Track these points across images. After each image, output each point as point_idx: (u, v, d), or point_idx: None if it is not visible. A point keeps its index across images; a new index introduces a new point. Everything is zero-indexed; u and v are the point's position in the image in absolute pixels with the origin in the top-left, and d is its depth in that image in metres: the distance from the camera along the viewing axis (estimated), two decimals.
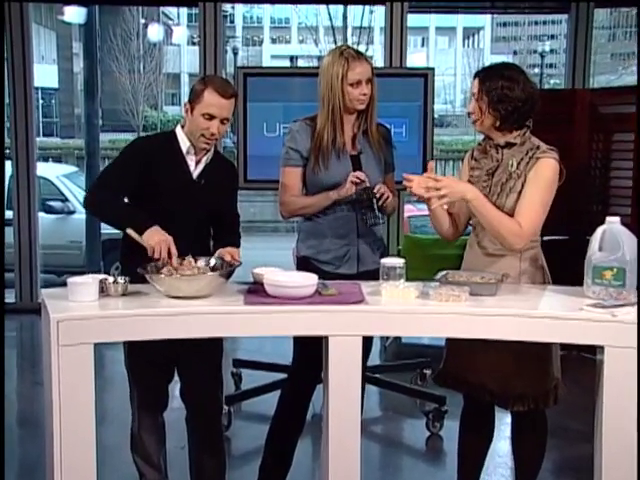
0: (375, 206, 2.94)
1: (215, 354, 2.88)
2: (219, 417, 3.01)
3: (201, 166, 2.78)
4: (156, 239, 2.54)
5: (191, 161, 2.76)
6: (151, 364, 2.79)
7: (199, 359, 2.80)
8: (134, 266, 2.52)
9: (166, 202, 2.71)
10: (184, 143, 2.75)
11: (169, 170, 2.73)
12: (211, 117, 2.66)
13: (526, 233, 2.63)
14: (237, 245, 2.80)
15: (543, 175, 2.65)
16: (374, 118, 3.01)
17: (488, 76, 2.68)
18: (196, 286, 2.46)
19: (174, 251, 2.55)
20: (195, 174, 2.77)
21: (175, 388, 2.94)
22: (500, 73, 2.68)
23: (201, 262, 2.63)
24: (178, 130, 2.78)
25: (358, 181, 2.89)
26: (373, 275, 2.78)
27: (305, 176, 3.03)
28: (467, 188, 2.65)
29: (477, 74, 2.74)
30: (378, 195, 2.91)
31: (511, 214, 2.65)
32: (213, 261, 2.65)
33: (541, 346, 2.61)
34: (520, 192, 2.66)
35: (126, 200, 2.77)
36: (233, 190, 2.96)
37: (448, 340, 2.85)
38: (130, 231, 2.59)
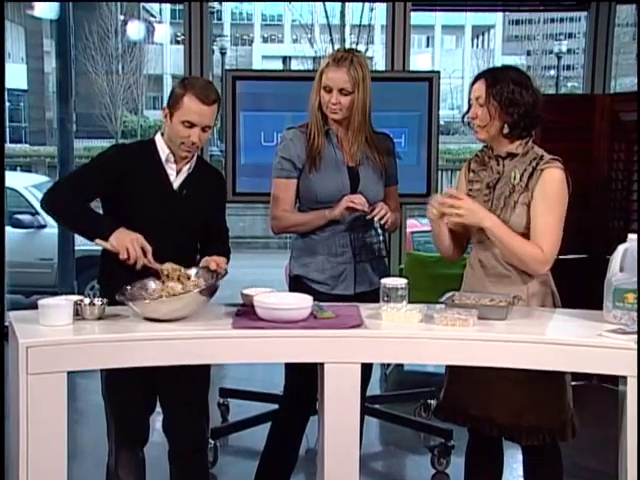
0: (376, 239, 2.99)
1: (201, 383, 2.88)
2: (205, 452, 3.00)
3: (182, 176, 2.79)
4: (126, 240, 2.55)
5: (171, 170, 2.78)
6: (131, 394, 2.78)
7: (184, 388, 2.80)
8: (115, 285, 2.53)
9: (144, 215, 2.71)
10: (163, 151, 2.77)
11: (146, 180, 2.74)
12: (191, 125, 2.67)
13: (549, 257, 2.68)
14: (226, 257, 2.79)
15: (551, 190, 2.68)
16: (362, 131, 3.02)
17: (497, 79, 2.71)
18: (176, 305, 2.47)
19: (148, 247, 2.56)
20: (176, 184, 2.79)
21: (155, 420, 2.94)
22: (509, 76, 2.71)
23: (169, 265, 2.64)
24: (158, 137, 2.80)
25: (354, 206, 2.91)
26: (371, 296, 2.80)
27: (298, 188, 3.05)
28: (486, 215, 2.69)
29: (481, 77, 2.75)
30: (377, 219, 2.93)
31: (517, 229, 2.69)
32: (194, 270, 2.66)
33: (554, 374, 2.62)
34: (528, 205, 2.69)
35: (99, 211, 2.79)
36: (220, 202, 2.96)
37: (449, 368, 2.87)
38: (98, 241, 2.59)
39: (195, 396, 2.88)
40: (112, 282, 2.59)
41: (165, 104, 2.75)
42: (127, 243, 2.54)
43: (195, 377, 2.79)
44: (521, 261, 2.70)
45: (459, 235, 2.87)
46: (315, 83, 3.00)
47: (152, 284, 2.60)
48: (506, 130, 2.72)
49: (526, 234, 2.71)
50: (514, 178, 2.72)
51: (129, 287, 2.55)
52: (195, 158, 2.82)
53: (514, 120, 2.70)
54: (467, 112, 2.80)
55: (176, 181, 2.79)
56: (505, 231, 2.69)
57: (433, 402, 4.51)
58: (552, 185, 2.68)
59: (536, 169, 2.70)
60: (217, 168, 3.12)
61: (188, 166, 2.80)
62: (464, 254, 2.95)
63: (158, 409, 2.92)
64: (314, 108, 3.02)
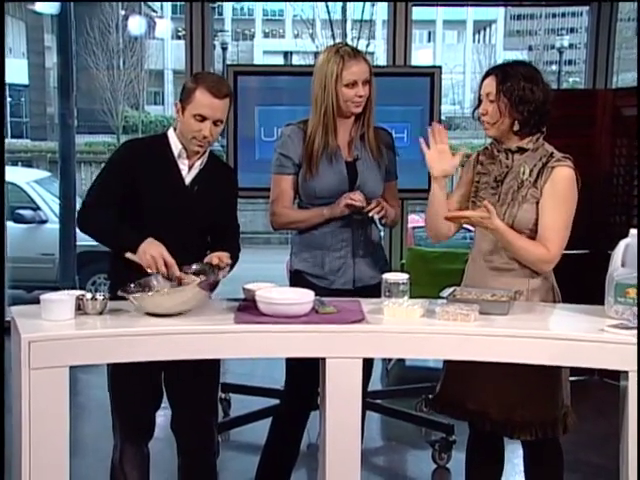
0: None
1: (211, 380, 2.89)
2: (213, 450, 2.99)
3: (194, 171, 2.79)
4: (148, 254, 2.57)
5: (183, 166, 2.78)
6: (137, 389, 2.78)
7: (194, 386, 2.80)
8: (125, 281, 2.54)
9: (155, 211, 2.72)
10: (176, 146, 2.77)
11: (158, 176, 2.74)
12: (203, 118, 2.68)
13: (554, 256, 2.69)
14: (234, 256, 2.78)
15: (562, 189, 2.69)
16: (371, 122, 3.03)
17: (508, 75, 2.70)
18: (176, 300, 2.47)
19: (171, 261, 2.58)
20: (187, 180, 2.79)
21: (159, 415, 2.94)
22: (519, 72, 2.71)
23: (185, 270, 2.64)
24: (170, 132, 2.80)
25: (352, 203, 2.91)
26: (372, 291, 2.81)
27: (298, 184, 3.05)
28: (486, 223, 2.68)
29: (491, 73, 2.75)
30: (372, 214, 2.93)
31: (524, 225, 2.69)
32: (195, 266, 2.65)
33: (549, 370, 2.63)
34: (536, 202, 2.69)
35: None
36: (231, 198, 2.96)
37: (446, 362, 2.87)
38: (129, 255, 2.63)
39: (205, 394, 2.88)
40: (122, 278, 2.59)
41: (177, 99, 2.76)
42: (149, 259, 2.57)
43: (205, 375, 2.80)
44: (527, 261, 2.71)
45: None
46: (331, 84, 2.93)
47: (155, 282, 2.60)
48: (516, 127, 2.72)
49: (533, 230, 2.71)
50: (523, 173, 2.73)
51: (132, 284, 2.55)
52: (207, 154, 2.82)
53: (524, 117, 2.70)
54: (477, 107, 2.81)
55: (188, 177, 2.79)
56: (509, 232, 2.69)
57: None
58: (562, 183, 2.69)
59: (546, 166, 2.70)
60: (228, 164, 3.11)
61: (200, 161, 2.80)
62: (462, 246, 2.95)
63: (162, 404, 2.91)
64: (330, 109, 2.95)
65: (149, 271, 2.57)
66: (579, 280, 3.21)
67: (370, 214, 2.94)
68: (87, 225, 2.77)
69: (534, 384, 2.67)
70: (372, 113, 3.02)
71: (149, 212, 2.72)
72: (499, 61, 2.96)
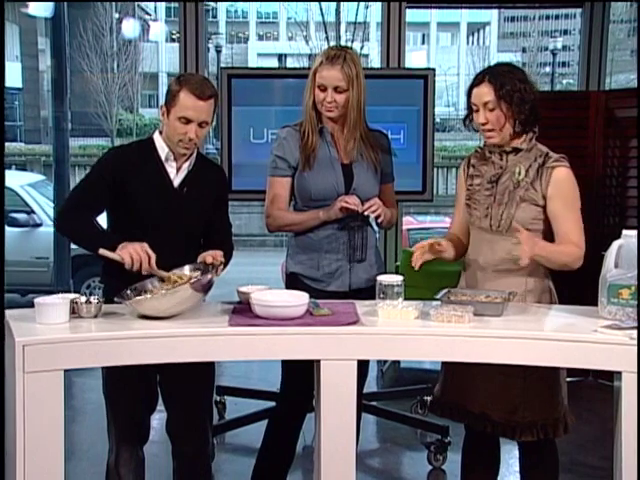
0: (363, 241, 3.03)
1: (206, 383, 2.89)
2: (208, 452, 2.99)
3: (183, 173, 2.79)
4: (129, 249, 2.54)
5: (171, 168, 2.78)
6: (132, 392, 2.78)
7: (189, 389, 2.80)
8: (117, 284, 2.54)
9: (145, 214, 2.72)
10: (162, 149, 2.77)
11: (146, 180, 2.74)
12: (188, 121, 2.67)
13: (584, 250, 2.72)
14: (228, 255, 2.78)
15: (567, 190, 2.72)
16: (357, 127, 3.02)
17: (503, 80, 2.69)
18: (170, 302, 2.46)
19: (152, 254, 2.55)
20: (176, 182, 2.78)
21: (154, 419, 2.94)
22: (511, 74, 2.72)
23: (176, 272, 2.64)
24: (156, 136, 2.80)
25: (347, 206, 2.92)
26: (367, 293, 2.81)
27: (293, 186, 3.06)
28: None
29: (482, 81, 2.72)
30: (367, 213, 2.94)
31: (521, 224, 2.68)
32: (188, 267, 2.65)
33: (549, 371, 2.63)
34: (534, 203, 2.71)
35: (104, 215, 2.79)
36: (222, 198, 2.95)
37: (445, 364, 2.88)
38: (103, 251, 2.59)
39: (200, 397, 2.88)
40: (115, 280, 2.59)
41: (162, 102, 2.75)
42: (130, 250, 2.54)
43: (200, 377, 2.80)
44: (566, 265, 2.72)
45: (457, 241, 2.90)
46: (309, 82, 3.00)
47: (149, 285, 2.59)
48: (518, 128, 2.73)
49: (531, 230, 2.71)
50: (519, 174, 2.74)
51: (128, 290, 2.54)
52: (195, 155, 2.82)
53: (526, 117, 2.71)
54: (467, 116, 2.81)
55: (176, 179, 2.79)
56: (548, 250, 2.69)
57: (430, 399, 4.50)
58: (566, 184, 2.72)
59: (543, 167, 2.71)
60: (218, 164, 3.11)
61: (188, 163, 2.79)
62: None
63: (157, 407, 2.91)
64: (308, 106, 3.02)
65: (127, 266, 2.53)
66: (572, 281, 3.21)
67: (365, 213, 2.95)
68: (65, 229, 2.75)
69: (534, 385, 2.67)
70: (357, 120, 3.00)
71: (140, 216, 2.71)
72: (493, 63, 2.95)
